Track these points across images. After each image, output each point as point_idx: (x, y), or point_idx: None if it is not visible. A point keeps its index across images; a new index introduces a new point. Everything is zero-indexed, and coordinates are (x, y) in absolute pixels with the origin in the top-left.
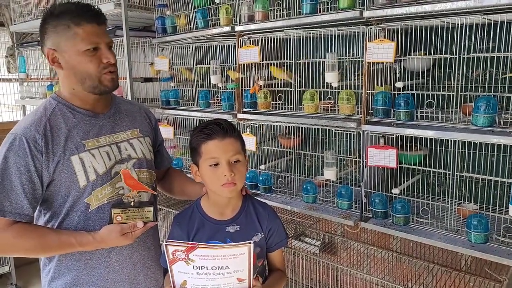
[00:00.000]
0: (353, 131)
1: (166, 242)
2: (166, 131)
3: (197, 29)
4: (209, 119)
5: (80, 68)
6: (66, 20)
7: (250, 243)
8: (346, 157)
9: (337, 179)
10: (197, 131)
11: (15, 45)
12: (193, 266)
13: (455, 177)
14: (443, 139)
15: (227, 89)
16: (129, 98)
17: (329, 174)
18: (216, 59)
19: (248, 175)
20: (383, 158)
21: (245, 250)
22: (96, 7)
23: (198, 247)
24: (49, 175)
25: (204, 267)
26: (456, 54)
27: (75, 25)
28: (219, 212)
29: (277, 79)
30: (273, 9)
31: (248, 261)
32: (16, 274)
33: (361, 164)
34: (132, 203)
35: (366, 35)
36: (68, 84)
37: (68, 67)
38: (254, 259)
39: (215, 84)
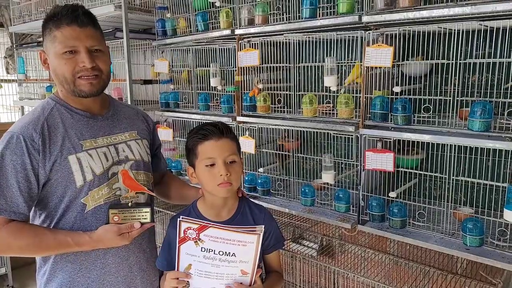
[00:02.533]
0: (351, 135)
1: (181, 218)
2: (166, 134)
3: (197, 32)
4: (209, 121)
5: (58, 71)
6: (51, 23)
7: (260, 233)
8: (344, 160)
9: (335, 182)
10: (193, 132)
11: (14, 46)
12: (202, 248)
13: (451, 181)
14: (439, 144)
15: (226, 92)
16: (129, 100)
17: (327, 177)
18: (216, 62)
19: (246, 178)
20: (381, 161)
21: (255, 239)
22: (84, 8)
23: (211, 226)
24: (46, 174)
25: (212, 250)
26: (453, 60)
27: (55, 28)
28: (216, 213)
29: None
30: (273, 13)
31: (255, 252)
32: (12, 276)
33: (358, 167)
34: (129, 204)
35: (365, 40)
36: (57, 85)
37: (51, 69)
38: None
39: (214, 87)
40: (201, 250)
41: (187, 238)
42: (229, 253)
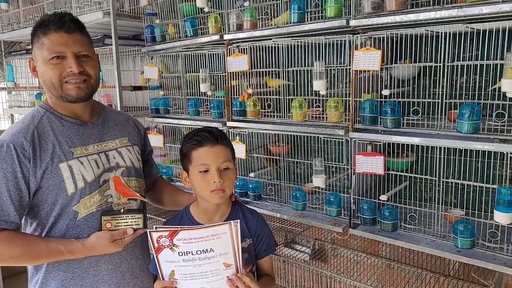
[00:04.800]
0: (341, 139)
1: (149, 230)
2: (156, 140)
3: (186, 37)
4: (199, 127)
5: (45, 76)
6: (39, 30)
7: (230, 222)
8: (335, 164)
9: (326, 186)
10: (188, 137)
11: (3, 54)
12: (179, 252)
13: (441, 183)
14: (429, 146)
15: (216, 97)
16: (118, 107)
17: (318, 181)
18: (205, 67)
19: (238, 183)
20: (371, 165)
21: (227, 228)
22: (72, 15)
23: (181, 230)
24: (36, 182)
25: (189, 252)
26: (441, 62)
27: (43, 35)
28: (208, 218)
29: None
30: (261, 18)
31: (231, 241)
32: (3, 285)
33: (349, 171)
34: (122, 210)
35: (353, 44)
36: (46, 92)
37: (40, 76)
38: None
39: (204, 92)
40: (179, 255)
41: (162, 247)
42: (207, 249)
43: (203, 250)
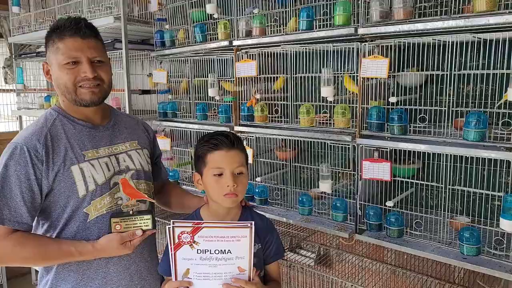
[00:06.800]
0: (348, 145)
1: (173, 224)
2: (163, 143)
3: (195, 43)
4: (207, 131)
5: (60, 81)
6: (54, 34)
7: (252, 224)
8: (341, 170)
9: (333, 191)
10: (204, 140)
11: (13, 56)
12: (197, 250)
13: (447, 190)
14: (436, 153)
15: (224, 102)
16: (127, 110)
17: (325, 186)
18: (214, 72)
19: None
20: (377, 171)
21: (247, 232)
22: (87, 21)
23: (204, 227)
24: (49, 184)
25: (208, 251)
26: (447, 71)
27: (58, 40)
28: (218, 221)
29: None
30: (270, 25)
31: (249, 245)
32: (8, 286)
33: (355, 177)
34: (131, 212)
35: (361, 51)
36: (59, 96)
37: (54, 79)
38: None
39: (212, 97)
40: (197, 252)
41: (182, 243)
42: (225, 250)
43: (221, 250)
